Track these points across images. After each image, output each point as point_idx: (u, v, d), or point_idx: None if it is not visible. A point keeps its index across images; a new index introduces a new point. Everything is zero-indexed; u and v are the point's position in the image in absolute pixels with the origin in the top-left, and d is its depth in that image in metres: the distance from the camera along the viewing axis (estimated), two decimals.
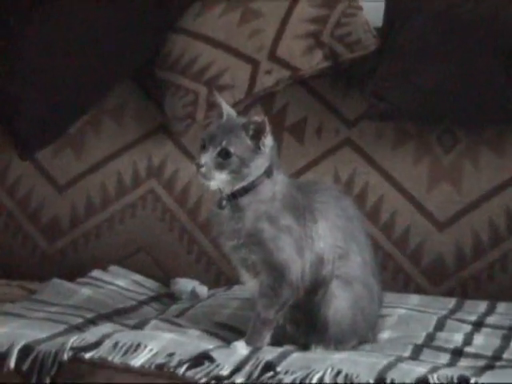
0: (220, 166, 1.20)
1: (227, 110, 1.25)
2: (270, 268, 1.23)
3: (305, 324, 1.27)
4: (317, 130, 1.66)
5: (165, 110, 1.70)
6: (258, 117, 1.22)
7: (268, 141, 1.23)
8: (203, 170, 1.20)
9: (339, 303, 1.25)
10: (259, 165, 1.22)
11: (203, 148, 1.21)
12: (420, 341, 1.29)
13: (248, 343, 1.25)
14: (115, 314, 1.43)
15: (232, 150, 1.20)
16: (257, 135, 1.21)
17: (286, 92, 1.69)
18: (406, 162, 1.61)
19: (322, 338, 1.26)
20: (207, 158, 1.20)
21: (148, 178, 1.70)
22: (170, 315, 1.43)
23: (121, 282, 1.58)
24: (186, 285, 1.57)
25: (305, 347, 1.27)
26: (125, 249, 1.68)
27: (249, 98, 1.68)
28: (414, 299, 1.48)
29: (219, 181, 1.20)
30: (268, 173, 1.23)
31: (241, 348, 1.23)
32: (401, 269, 1.58)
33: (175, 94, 1.68)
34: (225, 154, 1.20)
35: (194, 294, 1.55)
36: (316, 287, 1.25)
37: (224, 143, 1.20)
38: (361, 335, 1.29)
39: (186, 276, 1.61)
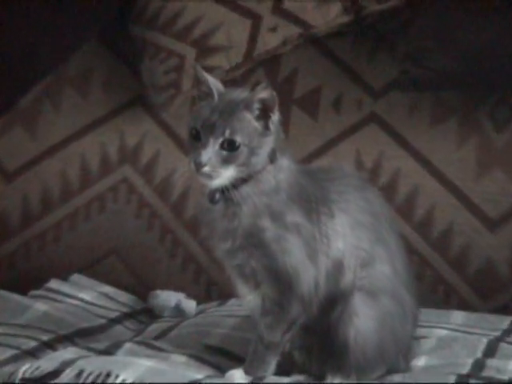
0: (226, 161, 1.19)
1: (215, 85, 1.23)
2: (274, 277, 1.23)
3: (318, 349, 1.26)
4: (334, 103, 1.66)
5: (142, 77, 1.70)
6: (264, 92, 1.20)
7: (276, 117, 1.22)
8: (206, 169, 1.19)
9: (362, 322, 1.24)
10: (267, 149, 1.22)
11: (197, 140, 1.20)
12: (465, 370, 1.28)
13: (248, 372, 1.24)
14: (78, 336, 1.44)
15: (238, 139, 1.19)
16: (264, 114, 1.20)
17: (296, 54, 1.69)
18: (448, 142, 1.61)
19: (340, 366, 1.26)
20: (210, 154, 1.18)
21: (120, 164, 1.70)
22: (149, 337, 1.44)
23: (85, 295, 1.59)
24: (168, 298, 1.57)
25: (319, 377, 1.26)
26: (91, 253, 1.68)
27: (248, 62, 1.67)
28: (458, 317, 1.49)
29: (225, 178, 1.20)
30: (271, 157, 1.22)
31: (239, 378, 1.22)
32: (441, 279, 1.58)
33: (155, 57, 1.68)
34: (230, 146, 1.19)
35: (178, 310, 1.55)
36: (333, 302, 1.24)
37: (227, 133, 1.19)
38: (390, 362, 1.28)
39: (169, 287, 1.62)
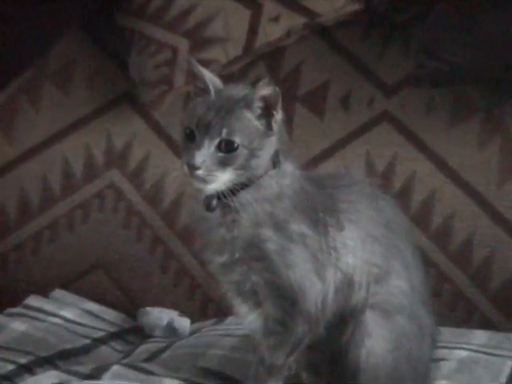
0: (223, 164, 1.18)
1: (212, 81, 1.22)
2: (276, 294, 1.22)
3: (327, 371, 1.25)
4: (342, 100, 1.66)
5: (130, 72, 1.70)
6: (266, 88, 1.19)
7: (279, 116, 1.21)
8: (201, 172, 1.18)
9: (375, 343, 1.23)
10: (269, 151, 1.21)
11: (191, 140, 1.19)
12: None
13: None
14: (60, 358, 1.43)
15: (237, 139, 1.18)
16: (266, 112, 1.20)
17: (300, 47, 1.69)
18: (469, 144, 1.60)
19: None
20: (205, 156, 1.18)
21: (107, 168, 1.70)
22: (138, 359, 1.43)
23: (68, 313, 1.58)
24: (160, 316, 1.57)
25: None
26: (74, 266, 1.68)
27: (248, 56, 1.67)
28: (480, 337, 1.48)
29: (221, 182, 1.19)
30: (274, 160, 1.22)
31: None
32: (461, 294, 1.57)
33: (144, 49, 1.68)
34: (227, 147, 1.18)
35: (171, 330, 1.55)
36: (342, 321, 1.23)
37: (224, 132, 1.18)
38: None
39: (161, 304, 1.61)
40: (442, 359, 1.37)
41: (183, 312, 1.59)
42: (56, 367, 1.39)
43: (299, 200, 1.22)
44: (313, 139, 1.64)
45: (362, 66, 1.66)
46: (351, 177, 1.29)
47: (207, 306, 1.63)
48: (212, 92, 1.21)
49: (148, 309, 1.59)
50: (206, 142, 1.18)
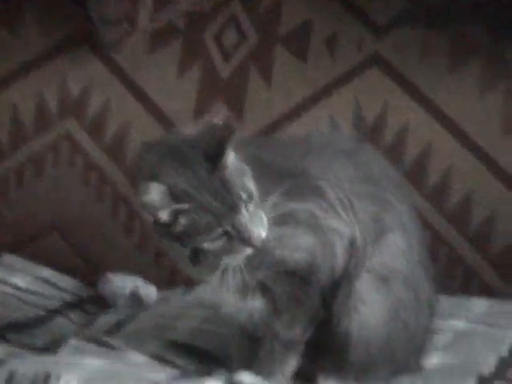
0: (256, 207, 1.20)
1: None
2: (286, 280, 1.23)
3: (312, 343, 1.26)
4: (327, 42, 1.66)
5: (88, 8, 1.68)
6: (212, 125, 1.20)
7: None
8: (262, 233, 1.20)
9: (368, 312, 1.24)
10: None
11: (219, 239, 1.18)
12: (488, 370, 1.29)
13: (262, 375, 1.23)
14: (11, 330, 1.44)
15: (251, 186, 1.20)
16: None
17: None
18: (469, 90, 1.61)
19: (336, 366, 1.26)
20: (247, 220, 1.19)
21: (61, 117, 1.69)
22: (98, 331, 1.44)
23: (19, 280, 1.59)
24: (122, 284, 1.57)
25: (308, 379, 1.26)
26: (25, 228, 1.68)
27: None
28: (480, 305, 1.49)
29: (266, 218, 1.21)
30: None
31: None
32: (459, 259, 1.59)
33: None
34: (250, 197, 1.20)
35: (135, 299, 1.55)
36: (334, 287, 1.24)
37: (244, 196, 1.19)
38: (399, 361, 1.28)
39: (123, 270, 1.61)
40: (437, 330, 1.36)
41: (149, 279, 1.59)
42: (6, 341, 1.39)
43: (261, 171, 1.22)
44: (294, 85, 1.64)
45: (349, 3, 1.66)
46: (322, 137, 1.30)
47: (176, 273, 1.62)
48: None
49: (109, 275, 1.59)
50: (240, 216, 1.18)
